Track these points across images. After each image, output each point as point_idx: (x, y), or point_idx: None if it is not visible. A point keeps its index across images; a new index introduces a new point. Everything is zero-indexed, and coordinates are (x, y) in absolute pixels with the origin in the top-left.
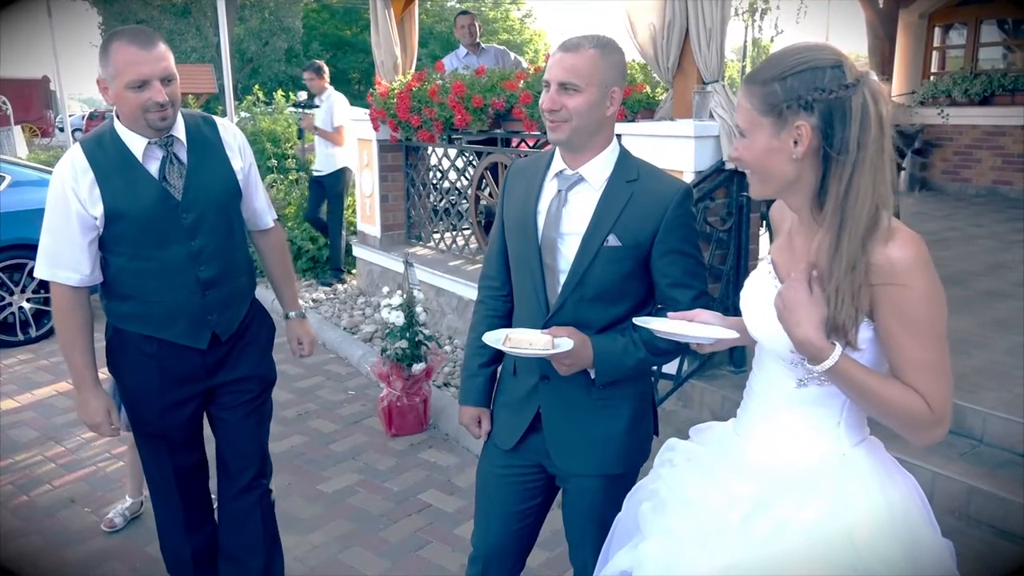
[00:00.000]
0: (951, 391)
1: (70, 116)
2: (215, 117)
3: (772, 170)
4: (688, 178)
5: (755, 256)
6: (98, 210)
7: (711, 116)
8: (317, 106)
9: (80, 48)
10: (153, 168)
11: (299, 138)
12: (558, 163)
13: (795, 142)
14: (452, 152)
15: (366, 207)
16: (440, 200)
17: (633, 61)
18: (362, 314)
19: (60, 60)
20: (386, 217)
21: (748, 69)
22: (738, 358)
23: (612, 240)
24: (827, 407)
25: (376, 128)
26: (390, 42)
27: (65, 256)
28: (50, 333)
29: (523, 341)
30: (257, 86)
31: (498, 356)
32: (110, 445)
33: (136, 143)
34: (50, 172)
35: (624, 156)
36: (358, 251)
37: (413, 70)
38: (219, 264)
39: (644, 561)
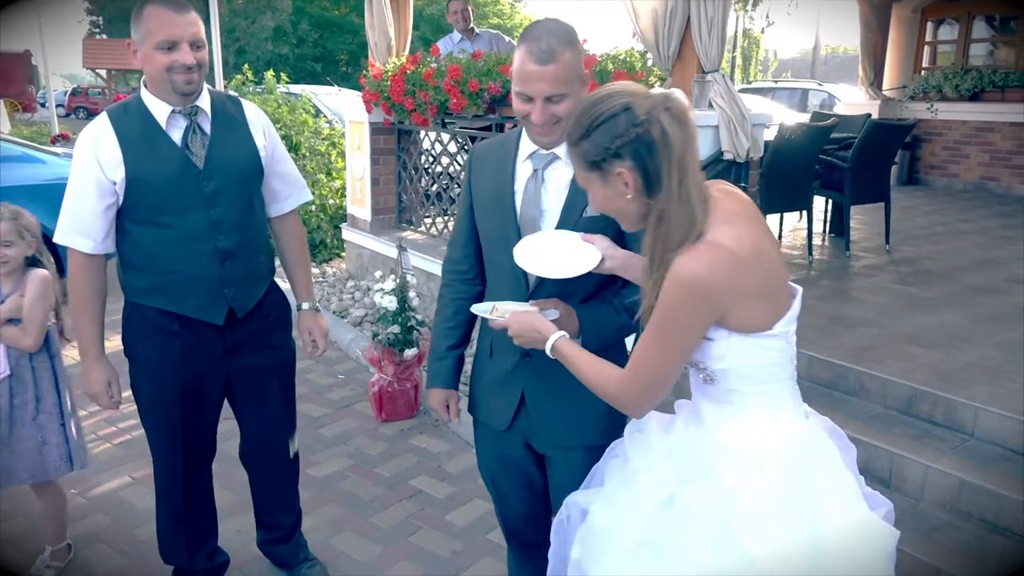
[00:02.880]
0: (639, 387)
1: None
2: (239, 97)
3: (622, 212)
4: None
5: None
6: (119, 174)
7: (710, 106)
8: None
9: (64, 24)
10: (176, 136)
11: None
12: (528, 144)
13: (625, 184)
14: (445, 136)
15: (356, 190)
16: (432, 184)
17: (632, 49)
18: (351, 298)
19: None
20: (377, 201)
21: (738, 60)
22: None
23: (590, 211)
24: (731, 402)
25: (369, 110)
26: (384, 23)
27: (82, 222)
28: None
29: (509, 311)
30: (247, 65)
31: (465, 338)
32: (96, 427)
33: (160, 110)
34: (35, 148)
35: None
36: (348, 234)
37: (407, 52)
38: (238, 236)
39: (590, 522)
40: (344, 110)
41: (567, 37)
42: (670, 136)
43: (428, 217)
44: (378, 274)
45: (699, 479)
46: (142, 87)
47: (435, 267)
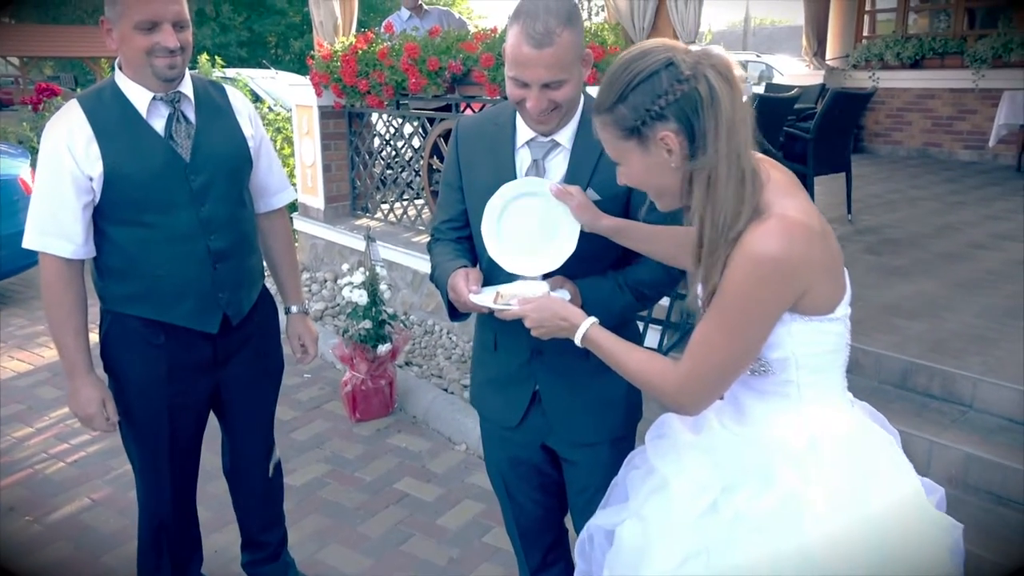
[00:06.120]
0: (700, 378)
1: None
2: (222, 83)
3: (663, 186)
4: None
5: None
6: (96, 170)
7: None
8: None
9: None
10: (158, 125)
11: None
12: (525, 129)
13: (668, 151)
14: (399, 119)
15: (307, 178)
16: (386, 169)
17: (604, 22)
18: (308, 291)
19: None
20: (329, 188)
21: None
22: None
23: (591, 194)
24: (785, 395)
25: (319, 93)
26: (329, 1)
27: (58, 224)
28: None
29: (516, 296)
30: None
31: (473, 260)
32: (46, 445)
33: (140, 97)
34: None
35: (588, 111)
36: (299, 224)
37: (354, 31)
38: (231, 235)
39: (619, 543)
40: (283, 94)
41: (567, 14)
42: (718, 92)
43: (385, 203)
44: (345, 267)
45: (749, 482)
46: (116, 70)
47: (398, 255)
